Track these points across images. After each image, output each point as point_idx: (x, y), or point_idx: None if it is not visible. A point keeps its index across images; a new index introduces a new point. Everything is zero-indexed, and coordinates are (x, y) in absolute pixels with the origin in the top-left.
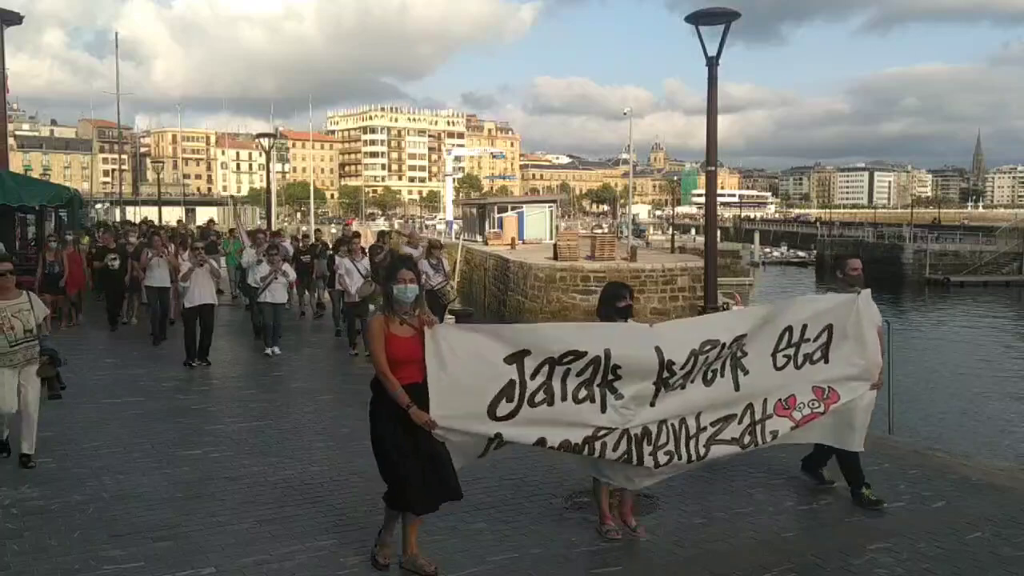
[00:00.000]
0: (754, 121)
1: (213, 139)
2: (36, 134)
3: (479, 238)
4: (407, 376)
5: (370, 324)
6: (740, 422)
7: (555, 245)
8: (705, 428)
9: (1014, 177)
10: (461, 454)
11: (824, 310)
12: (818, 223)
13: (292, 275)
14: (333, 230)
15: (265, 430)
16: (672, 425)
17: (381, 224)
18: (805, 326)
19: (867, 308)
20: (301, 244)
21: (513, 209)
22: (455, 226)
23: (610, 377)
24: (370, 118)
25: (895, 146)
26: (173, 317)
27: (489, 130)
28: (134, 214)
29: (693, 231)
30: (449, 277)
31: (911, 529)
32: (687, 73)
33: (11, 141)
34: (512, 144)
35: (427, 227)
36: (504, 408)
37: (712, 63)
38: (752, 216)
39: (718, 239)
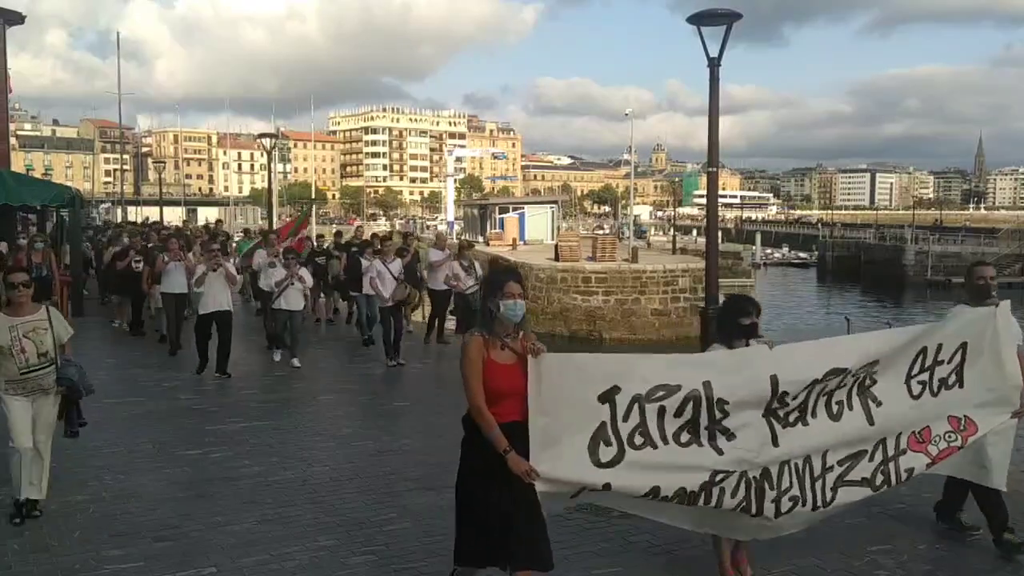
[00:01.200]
0: (756, 122)
1: (215, 139)
2: (38, 134)
3: (480, 239)
4: (506, 413)
5: (466, 348)
6: (871, 459)
7: (556, 246)
8: (832, 467)
9: (1016, 179)
10: (550, 502)
11: (959, 327)
12: (820, 224)
13: (309, 280)
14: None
15: (266, 430)
16: (795, 465)
17: (383, 224)
18: (940, 346)
19: (1006, 323)
20: (315, 245)
21: (514, 210)
22: (456, 227)
23: (718, 415)
24: (371, 118)
25: (897, 147)
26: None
27: (491, 131)
28: (135, 214)
29: (694, 232)
30: (481, 280)
31: (912, 531)
32: (689, 74)
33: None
34: (513, 145)
35: (428, 227)
36: (605, 452)
37: (714, 64)
38: (753, 217)
39: (719, 240)
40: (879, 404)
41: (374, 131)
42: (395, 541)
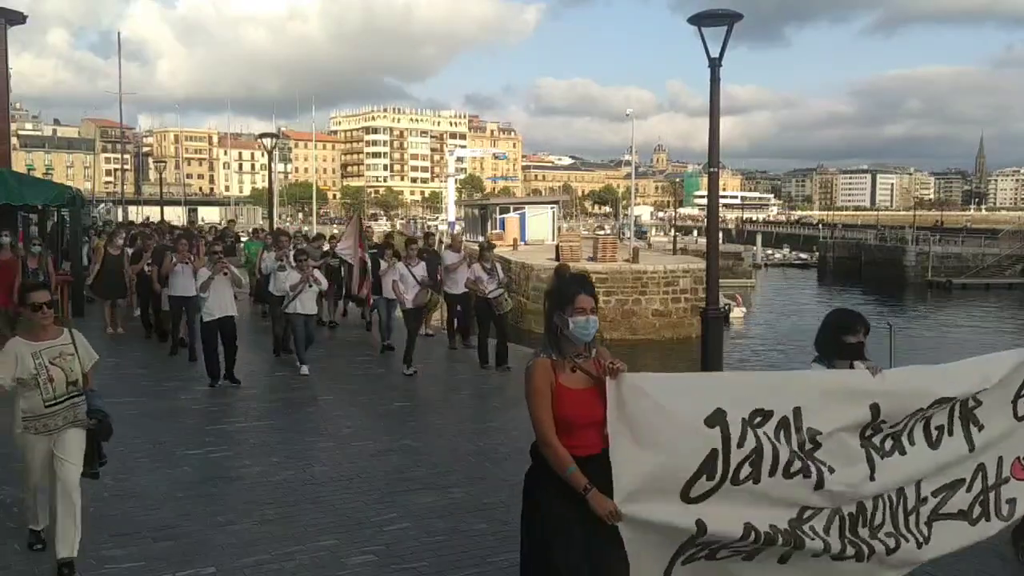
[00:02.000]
0: (757, 123)
1: (215, 139)
2: (39, 134)
3: (481, 239)
4: (582, 445)
5: (531, 373)
6: (969, 489)
7: (557, 246)
8: (926, 499)
9: (1017, 180)
10: (643, 566)
11: None
12: (820, 225)
13: (324, 283)
14: (335, 230)
15: (266, 430)
16: (888, 499)
17: (384, 224)
18: None
19: None
20: (330, 246)
21: (515, 210)
22: (457, 227)
23: (808, 446)
24: (372, 119)
25: (898, 148)
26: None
27: (491, 131)
28: (136, 213)
29: (695, 232)
30: (504, 284)
31: None
32: (690, 74)
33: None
34: (514, 145)
35: (429, 227)
36: (702, 486)
37: (715, 64)
38: (754, 218)
39: (720, 241)
40: (981, 428)
41: (375, 131)
42: (395, 541)
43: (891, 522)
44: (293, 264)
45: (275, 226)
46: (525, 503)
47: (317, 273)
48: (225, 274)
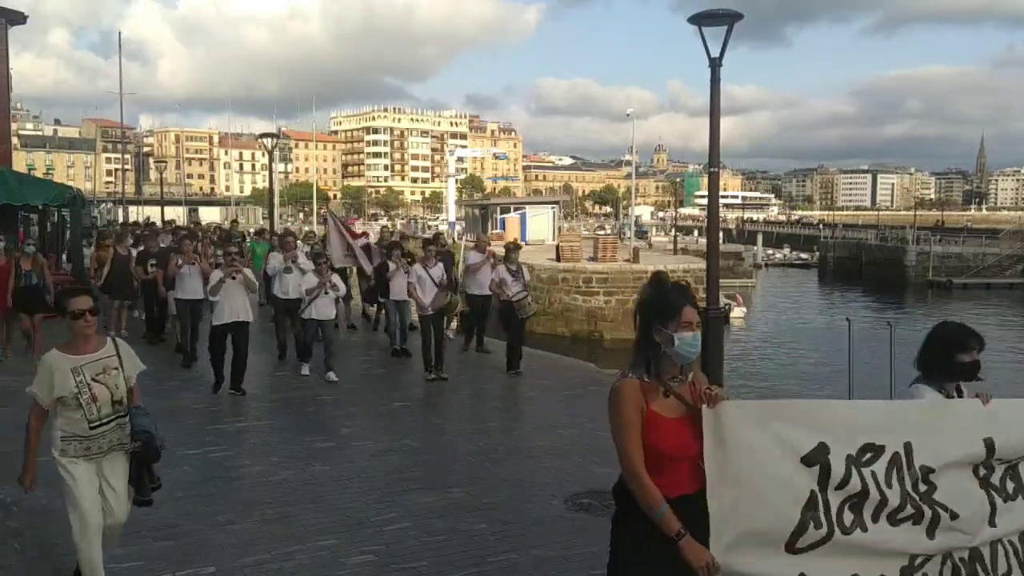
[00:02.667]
0: (757, 123)
1: (216, 139)
2: (40, 133)
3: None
4: (675, 483)
5: (619, 396)
6: None
7: (557, 246)
8: None
9: (1018, 179)
10: None
11: None
12: (821, 225)
13: (342, 288)
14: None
15: (266, 430)
16: (1011, 544)
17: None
18: None
19: None
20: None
21: (515, 210)
22: (457, 227)
23: (922, 487)
24: (373, 119)
25: (898, 148)
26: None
27: (492, 131)
28: (137, 213)
29: (696, 232)
30: (529, 287)
31: None
32: (690, 74)
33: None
34: (515, 145)
35: (429, 227)
36: (810, 536)
37: (715, 64)
38: (755, 218)
39: (720, 241)
40: None
41: (375, 131)
42: (395, 541)
43: (1019, 568)
44: (302, 266)
45: (275, 226)
46: (613, 557)
47: (335, 278)
48: (235, 278)
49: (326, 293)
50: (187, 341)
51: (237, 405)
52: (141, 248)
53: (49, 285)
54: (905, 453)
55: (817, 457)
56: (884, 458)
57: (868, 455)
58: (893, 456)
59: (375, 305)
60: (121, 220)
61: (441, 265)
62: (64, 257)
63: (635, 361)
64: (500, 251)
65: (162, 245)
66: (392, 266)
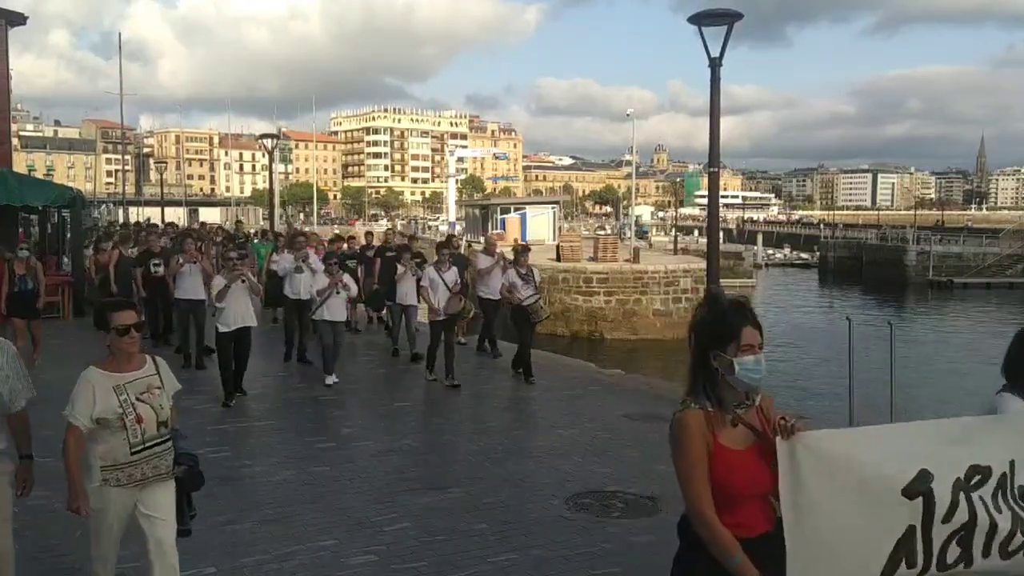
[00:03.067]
0: (758, 122)
1: (216, 140)
2: (40, 134)
3: (481, 239)
4: (747, 523)
5: (683, 427)
6: None
7: (558, 246)
8: None
9: (1018, 179)
10: None
11: None
12: (821, 225)
13: (354, 289)
14: (336, 230)
15: (267, 430)
16: None
17: (384, 225)
18: None
19: None
20: (347, 247)
21: (516, 210)
22: (458, 227)
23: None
24: (373, 119)
25: (898, 148)
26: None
27: (492, 131)
28: (137, 214)
29: (696, 232)
30: (541, 291)
31: None
32: (691, 74)
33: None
34: (515, 145)
35: (429, 228)
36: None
37: (715, 64)
38: (755, 218)
39: (721, 241)
40: None
41: (375, 131)
42: (396, 541)
43: None
44: (312, 266)
45: (275, 227)
46: None
47: (347, 278)
48: (243, 282)
49: (337, 293)
50: (188, 342)
51: (238, 406)
52: (142, 248)
53: (42, 290)
54: (1010, 473)
55: (919, 487)
56: (992, 481)
57: (976, 478)
58: (1000, 477)
59: (380, 310)
60: (122, 221)
61: (455, 269)
62: (65, 259)
63: (694, 388)
64: (504, 252)
65: (162, 245)
66: (401, 268)
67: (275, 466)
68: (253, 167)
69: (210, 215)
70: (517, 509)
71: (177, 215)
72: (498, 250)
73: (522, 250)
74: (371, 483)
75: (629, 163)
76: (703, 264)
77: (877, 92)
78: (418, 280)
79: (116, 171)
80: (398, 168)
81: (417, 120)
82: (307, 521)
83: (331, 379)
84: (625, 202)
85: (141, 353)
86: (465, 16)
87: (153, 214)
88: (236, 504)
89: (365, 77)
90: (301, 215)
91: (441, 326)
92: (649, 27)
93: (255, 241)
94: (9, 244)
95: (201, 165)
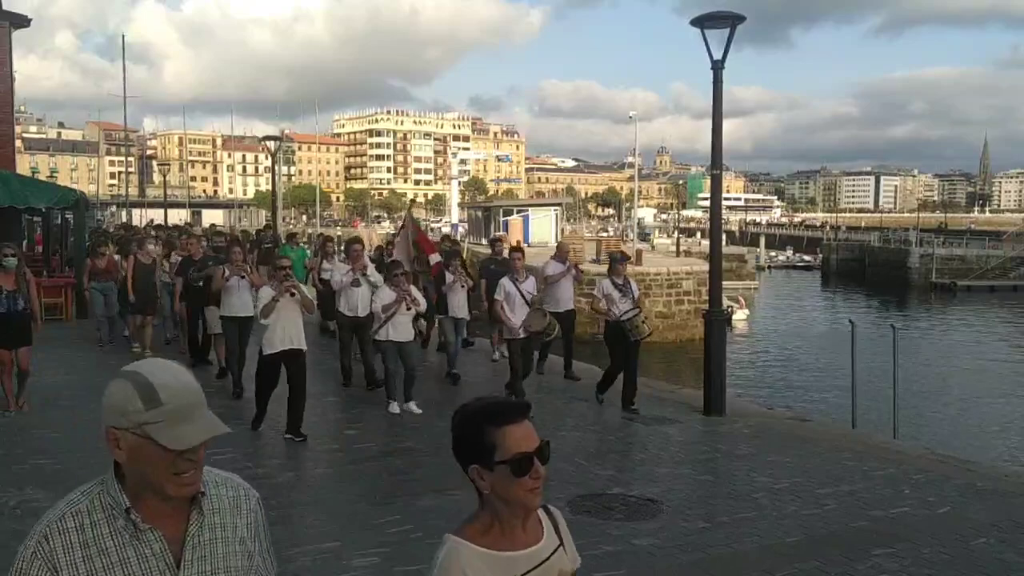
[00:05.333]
0: (761, 124)
1: (219, 142)
2: (43, 136)
3: (484, 241)
4: None
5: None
6: None
7: (489, 241)
8: None
9: (1021, 182)
10: None
11: None
12: (824, 227)
13: (423, 302)
14: (339, 233)
15: (268, 432)
16: None
17: (387, 227)
18: None
19: None
20: (385, 254)
21: (518, 212)
22: (460, 229)
23: None
24: (376, 121)
25: (902, 150)
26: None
27: (495, 133)
28: (140, 216)
29: (698, 235)
30: (640, 304)
31: (915, 534)
32: (694, 76)
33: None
34: (517, 147)
35: (432, 229)
36: None
37: (717, 67)
38: (758, 220)
39: (723, 243)
40: None
41: (378, 133)
42: (398, 543)
43: None
44: (371, 278)
45: (277, 230)
46: None
47: (415, 291)
48: (293, 295)
49: (408, 309)
50: (233, 366)
51: (239, 406)
52: (181, 255)
53: (36, 310)
54: None
55: None
56: None
57: None
58: None
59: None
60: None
61: (533, 279)
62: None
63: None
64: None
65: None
66: (450, 277)
67: (277, 468)
68: (256, 169)
69: (213, 217)
70: None
71: (180, 217)
72: (571, 256)
73: (620, 257)
74: (374, 485)
75: (632, 165)
76: (706, 266)
77: (881, 94)
78: (469, 290)
79: (119, 173)
80: (401, 170)
81: (420, 122)
82: (309, 523)
83: (395, 406)
84: (628, 204)
85: (538, 523)
86: (469, 18)
87: (156, 216)
88: None
89: (369, 79)
90: (304, 216)
91: (520, 346)
92: (652, 29)
93: (283, 246)
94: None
95: (204, 167)
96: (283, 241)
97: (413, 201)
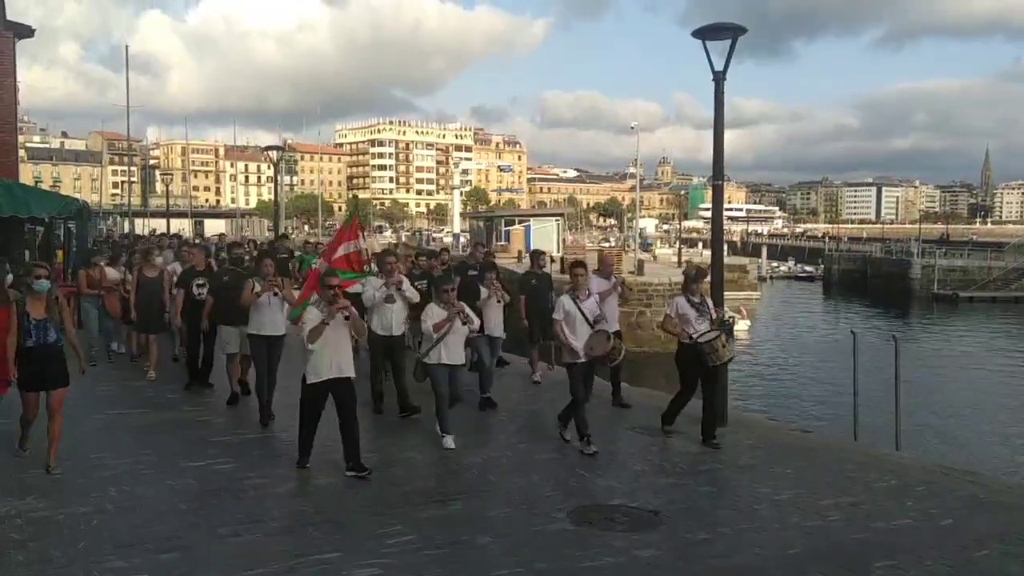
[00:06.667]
0: (763, 135)
1: (222, 151)
2: (47, 146)
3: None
4: None
5: None
6: None
7: (562, 258)
8: None
9: (1023, 193)
10: None
11: None
12: (826, 238)
13: (476, 322)
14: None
15: (270, 442)
16: None
17: (389, 237)
18: None
19: None
20: (415, 263)
21: (520, 222)
22: (462, 239)
23: None
24: (378, 131)
25: (904, 161)
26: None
27: (497, 143)
28: (143, 226)
29: (700, 245)
30: (721, 323)
31: (918, 546)
32: (696, 87)
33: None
34: (519, 158)
35: (434, 239)
36: None
37: (719, 78)
38: (759, 230)
39: (725, 253)
40: None
41: (380, 143)
42: (399, 553)
43: None
44: (407, 294)
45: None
46: None
47: (466, 309)
48: (347, 318)
49: (463, 324)
50: (264, 390)
51: (241, 416)
52: (185, 266)
53: (72, 338)
54: None
55: None
56: None
57: None
58: None
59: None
60: (126, 232)
61: (595, 298)
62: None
63: None
64: (508, 263)
65: (170, 263)
66: (484, 292)
67: (278, 478)
68: (259, 179)
69: (215, 226)
70: (520, 522)
71: (182, 226)
72: (615, 272)
73: (696, 274)
74: (376, 495)
75: (633, 175)
76: (707, 277)
77: (883, 105)
78: (506, 305)
79: (122, 182)
80: (403, 180)
81: (422, 132)
82: (311, 533)
83: (450, 440)
84: (629, 214)
85: None
86: (473, 30)
87: (159, 226)
88: (240, 517)
89: (372, 89)
90: (306, 226)
91: (582, 373)
92: (655, 40)
93: (300, 254)
94: (18, 265)
95: (207, 177)
96: (299, 251)
97: (354, 197)
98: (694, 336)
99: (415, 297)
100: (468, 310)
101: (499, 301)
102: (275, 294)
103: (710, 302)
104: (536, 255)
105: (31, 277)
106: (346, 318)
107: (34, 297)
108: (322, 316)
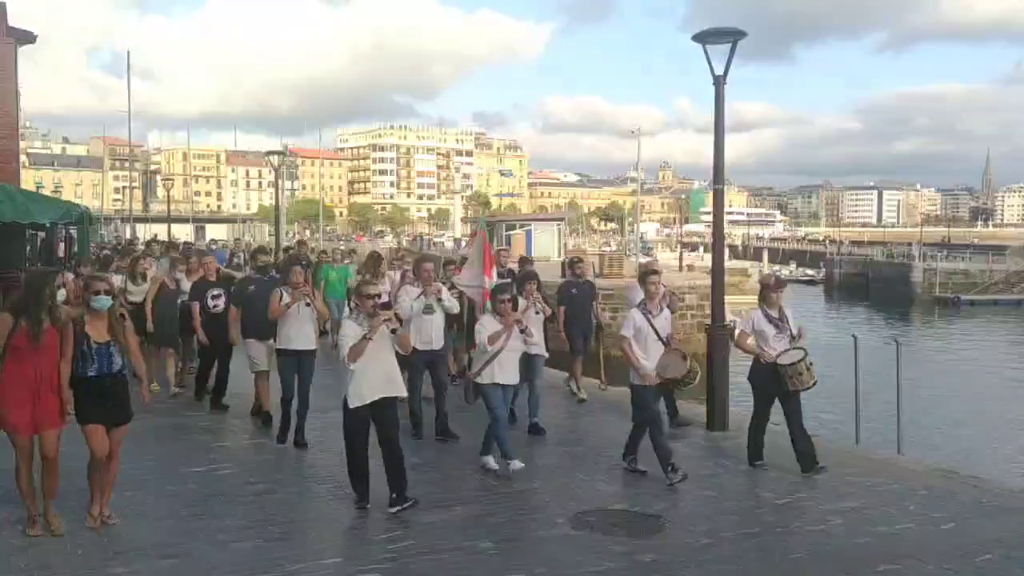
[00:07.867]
0: (764, 139)
1: (223, 157)
2: (48, 151)
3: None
4: None
5: None
6: None
7: (563, 263)
8: None
9: None
10: None
11: None
12: (827, 242)
13: (534, 334)
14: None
15: (270, 448)
16: None
17: (390, 241)
18: None
19: None
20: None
21: (521, 227)
22: (464, 243)
23: None
24: (379, 136)
25: (905, 165)
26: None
27: (498, 148)
28: (144, 231)
29: (701, 249)
30: (799, 338)
31: (920, 551)
32: (698, 92)
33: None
34: (520, 162)
35: (435, 244)
36: None
37: (719, 82)
38: (760, 234)
39: (726, 257)
40: None
41: (381, 148)
42: (401, 558)
43: None
44: (447, 304)
45: (280, 244)
46: None
47: (528, 322)
48: (395, 332)
49: (522, 331)
50: (290, 412)
51: (243, 422)
52: (197, 275)
53: (139, 364)
54: None
55: None
56: None
57: None
58: None
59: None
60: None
61: (669, 313)
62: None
63: None
64: (512, 266)
65: (155, 269)
66: (523, 303)
67: (279, 483)
68: (260, 184)
69: (217, 232)
70: (522, 527)
71: (184, 232)
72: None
73: (775, 284)
74: (377, 500)
75: (634, 180)
76: (708, 281)
77: (884, 109)
78: (547, 319)
79: (123, 188)
80: (404, 185)
81: (423, 137)
82: (312, 538)
83: (517, 464)
84: (630, 219)
85: None
86: (476, 35)
87: (160, 231)
88: (240, 522)
89: (375, 94)
90: (307, 231)
91: (650, 397)
92: (657, 45)
93: (327, 263)
94: (19, 258)
95: (208, 182)
96: (319, 259)
97: (486, 205)
98: (775, 357)
99: (455, 307)
100: (529, 326)
101: (538, 312)
102: (307, 304)
103: (789, 314)
104: (574, 262)
105: (89, 293)
106: (392, 331)
107: (94, 316)
108: (362, 331)
